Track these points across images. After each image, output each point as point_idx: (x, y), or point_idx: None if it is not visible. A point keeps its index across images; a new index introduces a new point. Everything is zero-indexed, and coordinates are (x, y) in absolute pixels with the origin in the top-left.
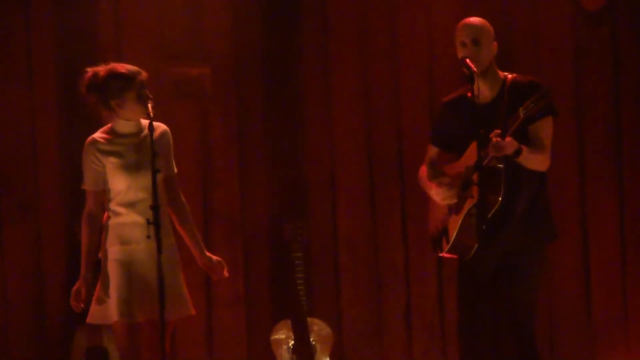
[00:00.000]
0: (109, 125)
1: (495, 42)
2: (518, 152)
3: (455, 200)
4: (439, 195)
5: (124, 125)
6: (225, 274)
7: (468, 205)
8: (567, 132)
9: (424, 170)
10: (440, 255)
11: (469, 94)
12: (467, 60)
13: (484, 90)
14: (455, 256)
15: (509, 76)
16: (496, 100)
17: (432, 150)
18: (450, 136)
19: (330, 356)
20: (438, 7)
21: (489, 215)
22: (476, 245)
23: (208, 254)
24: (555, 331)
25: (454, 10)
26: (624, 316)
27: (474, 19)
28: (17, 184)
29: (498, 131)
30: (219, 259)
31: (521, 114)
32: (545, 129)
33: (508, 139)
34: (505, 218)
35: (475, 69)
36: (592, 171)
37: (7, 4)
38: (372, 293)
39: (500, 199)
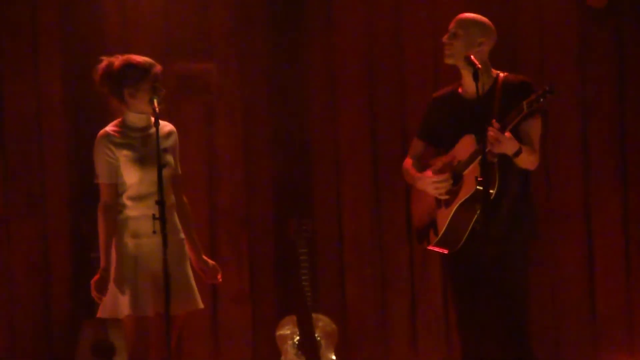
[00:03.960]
0: (120, 119)
1: (486, 40)
2: (518, 153)
3: (446, 190)
4: (434, 185)
5: (135, 118)
6: (219, 279)
7: (460, 198)
8: (571, 130)
9: (409, 163)
10: (428, 247)
11: (459, 90)
12: (472, 57)
13: (473, 86)
14: (443, 250)
15: (501, 74)
16: (485, 96)
17: (419, 144)
18: (438, 131)
19: (336, 352)
20: (442, 6)
21: (485, 207)
22: (465, 237)
23: (204, 257)
24: (559, 330)
25: (458, 9)
26: (628, 315)
27: (465, 14)
28: (23, 180)
29: (497, 125)
30: (214, 263)
31: (525, 108)
32: (536, 127)
33: (508, 134)
34: (492, 213)
35: (479, 66)
36: (597, 170)
37: (13, 2)
38: (377, 289)
39: (493, 192)
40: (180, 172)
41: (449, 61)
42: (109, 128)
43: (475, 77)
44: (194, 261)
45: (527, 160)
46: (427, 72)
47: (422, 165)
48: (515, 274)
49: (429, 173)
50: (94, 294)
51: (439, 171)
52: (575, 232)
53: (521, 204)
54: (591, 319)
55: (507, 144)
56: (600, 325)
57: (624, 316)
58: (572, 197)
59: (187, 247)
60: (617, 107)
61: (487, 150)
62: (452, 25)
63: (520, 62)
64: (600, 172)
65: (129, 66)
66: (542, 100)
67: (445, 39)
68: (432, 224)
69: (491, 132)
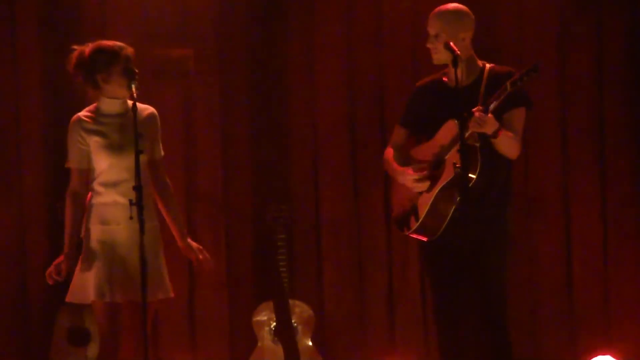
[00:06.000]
0: (95, 104)
1: (467, 34)
2: (497, 132)
3: (426, 187)
4: (412, 181)
5: (109, 104)
6: (209, 260)
7: (442, 181)
8: (550, 116)
9: (390, 152)
10: (408, 234)
11: (444, 78)
12: (451, 43)
13: (459, 76)
14: (423, 237)
15: (487, 65)
16: (472, 86)
17: (401, 132)
18: (422, 119)
19: (312, 338)
20: None
21: (464, 193)
22: (445, 223)
23: (189, 240)
24: (535, 317)
25: None
26: (605, 301)
27: (441, 9)
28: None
29: (480, 107)
30: (199, 246)
31: (509, 87)
32: (519, 118)
33: (490, 115)
34: (478, 203)
35: (458, 52)
36: (575, 156)
37: None
38: (354, 275)
39: (475, 176)
40: (162, 154)
41: (439, 62)
42: (82, 113)
43: (455, 63)
44: (178, 242)
45: (507, 144)
46: (406, 59)
47: (403, 155)
48: (494, 263)
49: (409, 170)
50: (48, 274)
51: (420, 166)
52: (553, 219)
53: (505, 195)
54: (568, 307)
55: (488, 124)
56: (577, 313)
57: (601, 304)
58: (551, 184)
59: (172, 229)
60: (596, 94)
61: (469, 131)
62: (430, 27)
63: (500, 50)
64: (579, 159)
65: (99, 51)
66: (525, 78)
67: (428, 44)
68: (414, 210)
69: (477, 113)
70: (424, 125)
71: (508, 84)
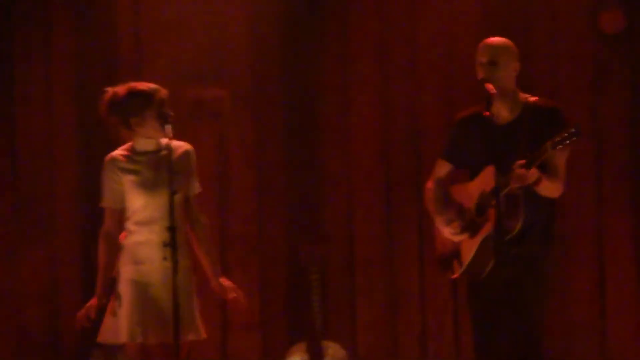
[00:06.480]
0: (129, 143)
1: (517, 63)
2: (538, 181)
3: (463, 238)
4: (448, 233)
5: (143, 143)
6: (239, 298)
7: (485, 231)
8: (584, 155)
9: (431, 190)
10: (453, 277)
11: (486, 113)
12: (487, 82)
13: (502, 111)
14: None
15: (530, 99)
16: (515, 122)
17: (444, 167)
18: (464, 153)
19: None
20: (456, 22)
21: (506, 240)
22: (489, 268)
23: (222, 279)
24: (569, 351)
25: (470, 30)
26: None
27: (494, 39)
28: (33, 206)
29: (522, 162)
30: (232, 285)
31: (549, 149)
32: (562, 157)
33: (532, 170)
34: (520, 241)
35: (494, 91)
36: (609, 193)
37: (26, 26)
38: (388, 316)
39: (518, 225)
40: (198, 191)
41: (497, 89)
42: (117, 152)
43: (488, 103)
44: (212, 282)
45: (549, 188)
46: (441, 93)
47: (443, 192)
48: (532, 303)
49: (444, 227)
50: (79, 315)
51: (460, 221)
52: (587, 255)
53: (546, 234)
54: (602, 342)
55: (530, 179)
56: (611, 349)
57: (635, 339)
58: (584, 221)
59: (204, 266)
60: (631, 132)
61: (509, 187)
62: (482, 53)
63: (534, 88)
64: (613, 196)
65: (133, 95)
66: (567, 142)
67: (483, 70)
68: (456, 254)
69: (517, 171)
70: (467, 160)
71: (549, 145)
